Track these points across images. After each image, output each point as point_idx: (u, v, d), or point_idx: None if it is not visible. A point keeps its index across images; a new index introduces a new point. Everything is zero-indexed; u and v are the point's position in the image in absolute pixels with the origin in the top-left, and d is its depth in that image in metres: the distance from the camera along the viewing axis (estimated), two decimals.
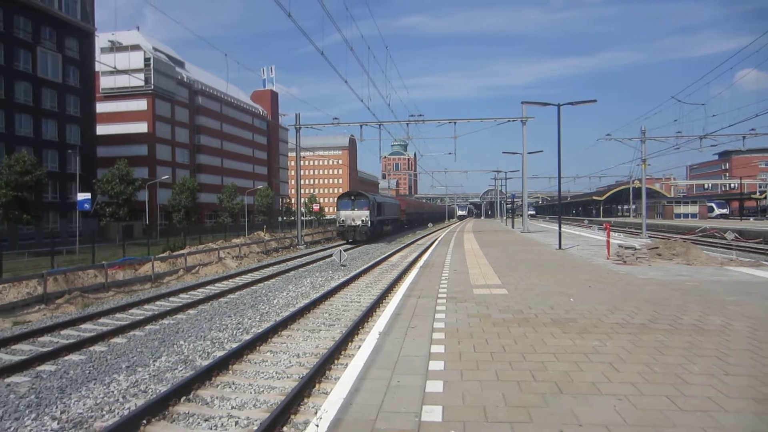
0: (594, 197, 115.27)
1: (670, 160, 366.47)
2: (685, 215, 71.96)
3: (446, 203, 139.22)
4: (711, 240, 34.47)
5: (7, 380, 8.27)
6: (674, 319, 8.18)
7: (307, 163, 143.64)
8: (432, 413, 4.65)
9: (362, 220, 39.34)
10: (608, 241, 19.99)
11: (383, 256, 27.92)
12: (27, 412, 6.89)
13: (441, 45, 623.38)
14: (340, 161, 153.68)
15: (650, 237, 33.81)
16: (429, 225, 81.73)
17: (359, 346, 7.64)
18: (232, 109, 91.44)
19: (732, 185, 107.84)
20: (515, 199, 66.39)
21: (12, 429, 6.36)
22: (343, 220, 40.43)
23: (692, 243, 21.29)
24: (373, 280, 18.76)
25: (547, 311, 8.98)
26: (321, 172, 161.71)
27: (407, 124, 38.59)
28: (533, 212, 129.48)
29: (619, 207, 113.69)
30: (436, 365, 6.04)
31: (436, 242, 32.86)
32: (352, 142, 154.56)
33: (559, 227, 24.63)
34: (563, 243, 23.67)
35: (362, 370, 5.97)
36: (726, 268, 15.42)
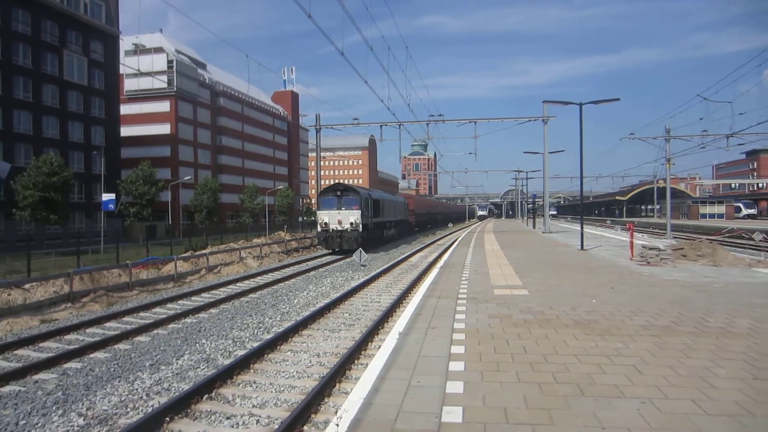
0: (617, 197, 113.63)
1: (696, 160, 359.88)
2: (711, 215, 70.47)
3: (466, 203, 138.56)
4: (738, 241, 33.67)
5: (35, 377, 8.47)
6: (700, 322, 8.02)
7: (327, 163, 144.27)
8: (452, 414, 4.64)
9: (351, 223, 29.41)
10: (632, 242, 19.67)
11: (403, 256, 27.89)
12: (54, 408, 7.03)
13: (461, 44, 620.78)
14: (360, 161, 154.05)
15: (675, 238, 33.19)
16: (449, 225, 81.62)
17: (379, 346, 7.64)
18: (253, 110, 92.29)
19: (760, 185, 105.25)
20: (536, 199, 65.79)
21: (40, 425, 6.50)
22: (325, 223, 30.05)
23: (719, 244, 20.84)
24: (393, 281, 18.76)
25: (568, 312, 8.88)
26: (341, 172, 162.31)
27: (427, 124, 38.51)
28: (555, 212, 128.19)
29: (643, 207, 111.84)
30: (456, 366, 6.01)
31: (456, 243, 32.74)
32: (372, 142, 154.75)
33: (581, 227, 24.33)
34: (585, 243, 23.37)
35: (382, 370, 5.98)
36: (754, 269, 15.07)
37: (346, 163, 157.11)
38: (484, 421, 4.47)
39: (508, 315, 8.81)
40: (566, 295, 10.70)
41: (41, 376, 8.53)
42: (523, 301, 10.07)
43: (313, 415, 6.35)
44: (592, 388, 5.21)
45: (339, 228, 29.63)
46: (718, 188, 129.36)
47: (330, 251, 30.88)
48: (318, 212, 31.29)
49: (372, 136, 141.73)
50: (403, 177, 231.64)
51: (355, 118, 39.99)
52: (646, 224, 61.78)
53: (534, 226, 54.86)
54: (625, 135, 45.36)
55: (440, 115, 38.48)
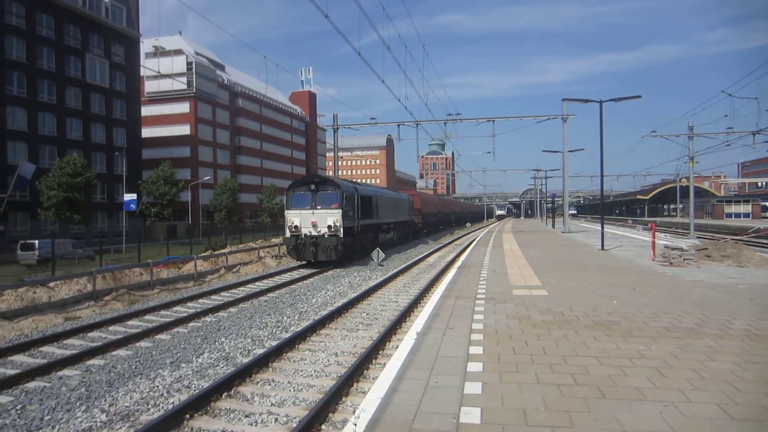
0: (638, 196, 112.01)
1: (720, 158, 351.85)
2: (737, 215, 69.08)
3: (484, 203, 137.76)
4: (765, 241, 32.92)
5: (60, 373, 8.63)
6: (725, 324, 7.85)
7: (344, 163, 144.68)
8: (470, 415, 4.61)
9: (329, 227, 22.76)
10: (654, 242, 19.36)
11: (420, 256, 27.82)
12: (78, 404, 7.16)
13: (478, 43, 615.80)
14: (378, 161, 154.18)
15: (698, 237, 32.58)
16: (467, 225, 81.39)
17: (397, 346, 7.63)
18: (271, 111, 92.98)
19: None
20: (556, 199, 65.15)
21: (64, 420, 6.62)
22: (295, 226, 23.16)
23: (744, 244, 20.41)
24: (410, 280, 18.73)
25: (589, 313, 8.76)
26: (359, 172, 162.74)
27: (445, 123, 38.35)
28: (574, 212, 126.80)
29: (665, 206, 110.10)
30: (474, 366, 5.98)
31: (474, 243, 32.58)
32: (390, 141, 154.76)
33: (602, 227, 24.02)
34: (606, 243, 23.06)
35: (400, 369, 5.97)
36: None
37: (363, 162, 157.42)
38: (502, 423, 4.43)
39: (527, 316, 8.73)
40: (586, 296, 10.57)
41: (65, 372, 8.70)
42: (543, 302, 9.97)
43: (330, 414, 6.36)
44: (613, 390, 5.14)
45: (313, 233, 22.88)
46: (743, 187, 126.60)
47: (305, 262, 24.07)
48: (287, 212, 23.84)
49: (389, 135, 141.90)
50: (421, 176, 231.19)
51: (373, 118, 40.07)
52: (668, 224, 60.78)
53: (553, 226, 54.33)
54: (646, 133, 44.74)
55: (458, 114, 38.34)
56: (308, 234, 22.98)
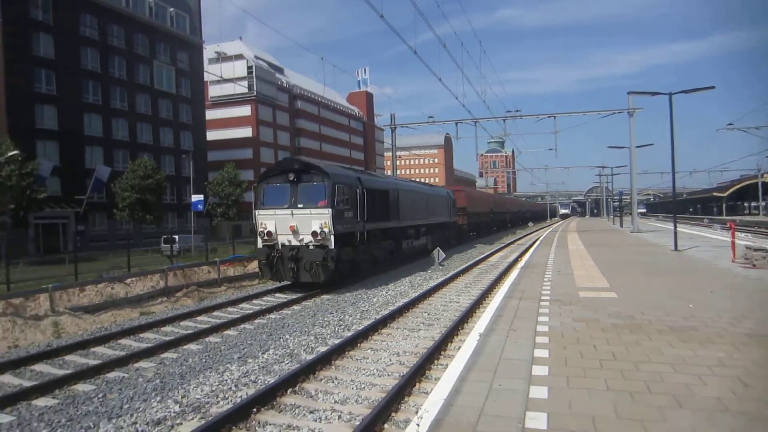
0: (714, 193, 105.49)
1: None
2: None
3: (547, 201, 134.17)
4: None
5: (136, 365, 9.14)
6: None
7: (403, 162, 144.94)
8: (536, 420, 4.49)
9: (315, 233, 16.05)
10: (733, 242, 18.17)
11: (482, 256, 27.44)
12: (153, 394, 7.55)
13: (537, 37, 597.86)
14: (436, 160, 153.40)
15: None
16: (529, 225, 79.66)
17: (459, 347, 7.56)
18: (329, 112, 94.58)
19: None
20: (623, 197, 62.49)
21: (141, 409, 7.00)
22: (268, 233, 16.62)
23: None
24: (472, 281, 18.51)
25: (662, 318, 8.34)
26: (417, 171, 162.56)
27: (504, 120, 37.58)
28: (644, 210, 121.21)
29: (746, 204, 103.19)
30: (539, 370, 5.82)
31: (538, 242, 31.80)
32: (448, 140, 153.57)
33: (674, 226, 22.81)
34: (679, 243, 21.87)
35: (462, 371, 5.90)
36: None
37: (421, 161, 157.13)
38: (570, 430, 4.29)
39: (595, 319, 8.41)
40: (659, 299, 10.06)
41: (141, 364, 9.19)
42: (611, 305, 9.58)
43: (393, 414, 6.38)
44: (692, 400, 4.85)
45: (294, 242, 16.21)
46: None
47: (279, 283, 17.31)
48: (256, 212, 16.95)
49: (447, 134, 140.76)
50: (480, 175, 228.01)
51: (430, 117, 39.94)
52: (750, 223, 56.90)
53: (621, 225, 52.16)
54: (722, 126, 42.01)
55: (517, 110, 37.57)
56: (287, 244, 16.21)
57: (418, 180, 54.10)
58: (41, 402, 7.46)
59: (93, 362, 9.41)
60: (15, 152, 29.65)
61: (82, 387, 8.07)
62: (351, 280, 17.94)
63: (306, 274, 16.01)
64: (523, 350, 6.67)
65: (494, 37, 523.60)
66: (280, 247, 16.38)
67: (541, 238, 35.66)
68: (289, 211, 16.38)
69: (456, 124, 38.22)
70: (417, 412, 5.17)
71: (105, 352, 10.34)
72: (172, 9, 58.82)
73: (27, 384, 8.28)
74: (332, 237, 15.96)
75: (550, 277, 13.72)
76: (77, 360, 9.80)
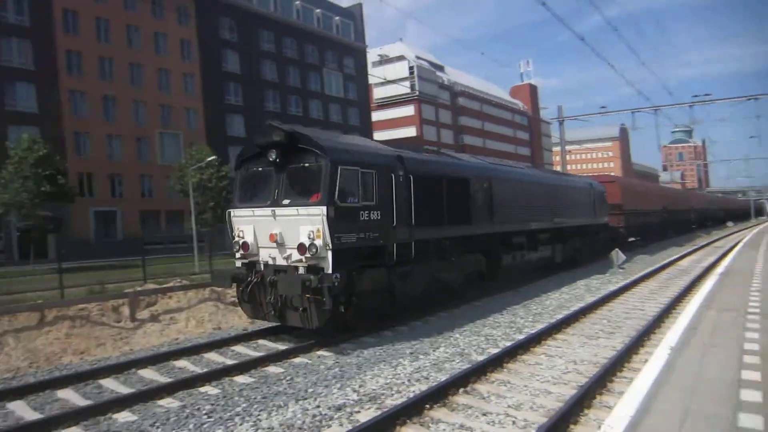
0: None
1: None
2: None
3: (750, 198, 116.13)
4: None
5: (318, 353, 9.98)
6: None
7: (573, 157, 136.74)
8: None
9: (304, 245, 9.73)
10: None
11: (670, 259, 24.73)
12: (333, 382, 8.18)
13: (725, 7, 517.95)
14: (611, 153, 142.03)
15: None
16: (728, 224, 69.88)
17: (645, 360, 6.94)
18: (491, 107, 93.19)
19: None
20: None
21: (323, 394, 7.62)
22: (242, 244, 10.81)
23: None
24: (658, 287, 16.79)
25: None
26: (590, 166, 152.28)
27: (690, 106, 33.40)
28: None
29: None
30: (750, 395, 5.09)
31: (740, 245, 27.73)
32: (623, 131, 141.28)
33: None
34: None
35: (651, 387, 5.41)
36: None
37: (594, 155, 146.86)
38: None
39: None
40: None
41: (322, 352, 9.99)
42: None
43: (572, 426, 6.07)
44: None
45: (278, 260, 10.46)
46: None
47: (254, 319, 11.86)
48: (231, 212, 11.20)
49: (623, 124, 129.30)
50: (664, 168, 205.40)
51: (603, 107, 37.61)
52: None
53: None
54: None
55: (707, 94, 33.00)
56: (270, 262, 10.63)
57: (549, 166, 47.62)
58: (240, 379, 8.52)
59: (282, 347, 10.46)
60: (213, 157, 34.28)
61: (273, 369, 9.04)
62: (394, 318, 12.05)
63: (293, 315, 10.28)
64: (726, 370, 5.88)
65: (672, 14, 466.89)
66: (261, 267, 10.74)
67: (744, 240, 30.99)
68: (269, 211, 10.48)
69: (632, 113, 35.04)
70: (600, 427, 4.86)
71: (291, 338, 11.42)
72: (337, 18, 63.41)
73: (229, 362, 9.52)
74: (329, 253, 9.74)
75: (758, 287, 11.88)
76: (268, 344, 10.95)
